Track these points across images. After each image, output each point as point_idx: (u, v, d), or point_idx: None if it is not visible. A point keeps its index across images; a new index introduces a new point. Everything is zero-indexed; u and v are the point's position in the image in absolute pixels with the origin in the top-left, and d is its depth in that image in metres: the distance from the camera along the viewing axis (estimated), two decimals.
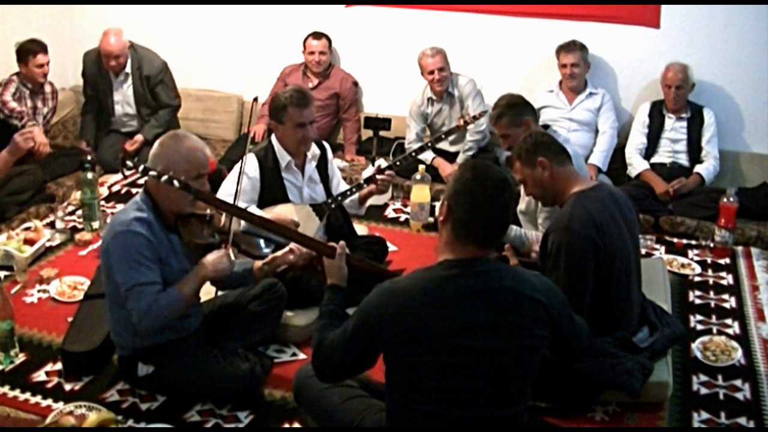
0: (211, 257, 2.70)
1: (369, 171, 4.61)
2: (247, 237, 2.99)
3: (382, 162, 4.47)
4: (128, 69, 5.06)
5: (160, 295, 2.60)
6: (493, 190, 2.01)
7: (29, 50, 4.67)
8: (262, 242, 3.11)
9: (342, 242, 2.47)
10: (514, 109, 3.44)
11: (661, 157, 4.57)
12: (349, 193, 3.55)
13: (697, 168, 4.46)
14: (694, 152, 4.52)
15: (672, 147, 4.55)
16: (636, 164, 4.54)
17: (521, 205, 3.56)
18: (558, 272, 2.65)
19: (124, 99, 5.14)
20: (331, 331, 2.18)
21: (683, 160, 4.54)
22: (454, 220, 2.04)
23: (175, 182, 2.58)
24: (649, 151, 4.58)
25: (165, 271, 2.68)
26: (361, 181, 3.56)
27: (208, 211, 2.78)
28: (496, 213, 2.02)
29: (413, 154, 3.85)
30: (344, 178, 3.96)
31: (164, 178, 2.57)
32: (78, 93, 5.47)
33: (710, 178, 4.45)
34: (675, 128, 4.51)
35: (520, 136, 3.06)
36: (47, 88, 4.88)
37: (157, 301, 2.58)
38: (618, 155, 4.71)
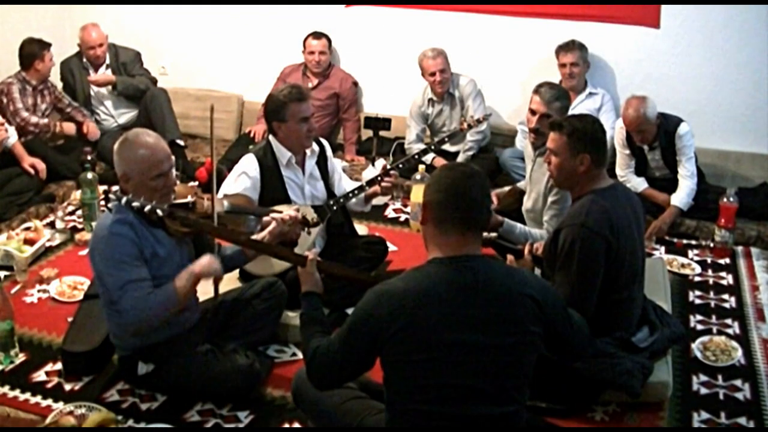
0: (203, 260, 2.73)
1: (369, 171, 4.61)
2: (232, 216, 2.99)
3: (385, 162, 4.45)
4: (107, 60, 5.15)
5: (153, 291, 2.62)
6: (462, 174, 2.10)
7: (43, 45, 4.77)
8: (251, 219, 3.09)
9: (314, 249, 2.54)
10: (568, 101, 3.54)
11: (654, 171, 4.38)
12: (351, 195, 3.53)
13: (673, 200, 4.21)
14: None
15: (658, 165, 4.35)
16: (634, 183, 4.32)
17: (527, 203, 3.55)
18: (569, 269, 2.64)
19: (105, 92, 5.17)
20: (320, 339, 2.22)
21: (675, 173, 4.33)
22: (431, 208, 2.09)
23: (158, 211, 2.63)
24: (642, 168, 4.37)
25: (156, 264, 2.69)
26: (364, 183, 3.54)
27: (190, 198, 2.79)
28: (467, 191, 2.06)
29: (416, 156, 3.82)
30: None
31: (147, 208, 2.61)
32: None
33: (688, 201, 4.20)
34: (653, 157, 4.32)
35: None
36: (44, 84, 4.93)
37: (151, 296, 2.61)
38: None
